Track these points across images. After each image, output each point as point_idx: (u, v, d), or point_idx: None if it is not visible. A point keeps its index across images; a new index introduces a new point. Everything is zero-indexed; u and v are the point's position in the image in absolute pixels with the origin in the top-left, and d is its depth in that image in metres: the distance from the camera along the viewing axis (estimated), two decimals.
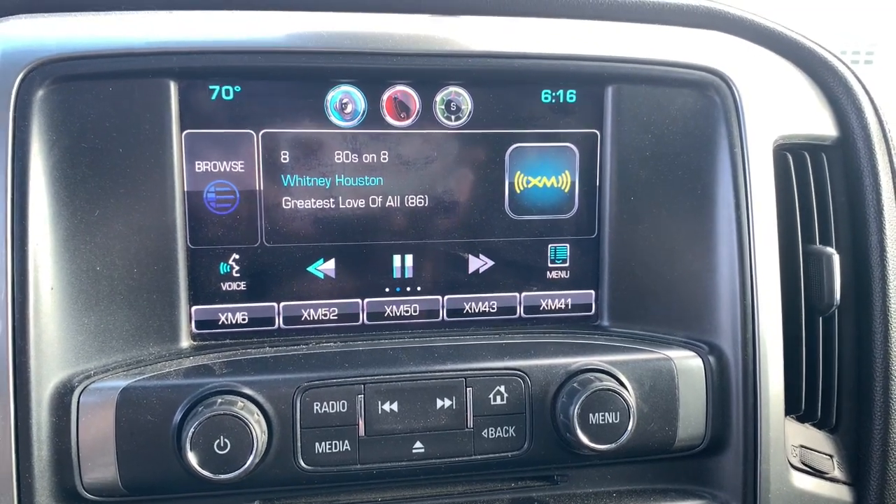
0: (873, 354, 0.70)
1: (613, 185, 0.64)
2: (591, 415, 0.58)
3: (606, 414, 0.58)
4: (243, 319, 0.61)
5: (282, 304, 0.62)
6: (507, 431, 0.59)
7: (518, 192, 0.64)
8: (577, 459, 0.62)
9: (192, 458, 0.52)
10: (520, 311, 0.66)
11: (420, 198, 0.62)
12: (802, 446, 0.67)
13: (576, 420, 0.57)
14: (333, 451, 0.57)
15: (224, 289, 0.61)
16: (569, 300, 0.66)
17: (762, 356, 0.63)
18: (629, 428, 0.58)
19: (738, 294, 0.62)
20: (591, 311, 0.67)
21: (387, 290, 0.63)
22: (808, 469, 0.67)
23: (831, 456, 0.70)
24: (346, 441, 0.57)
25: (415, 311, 0.64)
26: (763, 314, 0.62)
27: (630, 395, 0.59)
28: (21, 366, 0.53)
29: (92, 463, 0.54)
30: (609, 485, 0.64)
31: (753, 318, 0.62)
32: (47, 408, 0.54)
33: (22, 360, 0.53)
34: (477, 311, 0.65)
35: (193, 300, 0.60)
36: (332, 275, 0.62)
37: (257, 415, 0.54)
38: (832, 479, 0.69)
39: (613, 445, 0.58)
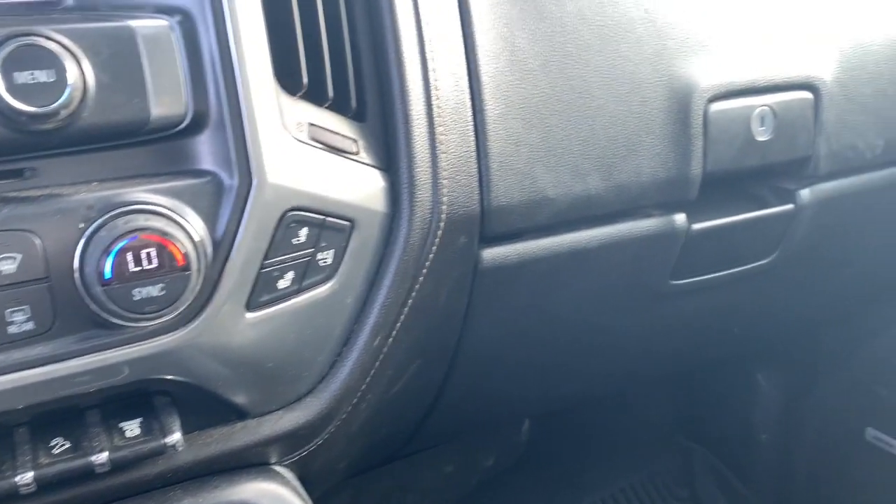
0: (384, 37, 0.70)
1: None
2: (15, 74, 0.51)
3: (36, 73, 0.52)
4: None
5: None
6: None
7: None
8: (40, 145, 0.56)
9: None
10: None
11: None
12: (312, 124, 0.66)
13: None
14: None
15: None
16: None
17: (234, 20, 0.59)
18: (70, 84, 0.52)
19: None
20: None
21: None
22: (324, 146, 0.66)
23: (356, 140, 0.70)
24: None
25: None
26: None
27: (73, 54, 0.53)
28: None
29: None
30: (88, 176, 0.58)
31: None
32: None
33: None
34: None
35: None
36: None
37: None
38: (362, 163, 0.70)
39: (53, 106, 0.52)
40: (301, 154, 0.63)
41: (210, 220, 0.59)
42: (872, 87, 0.95)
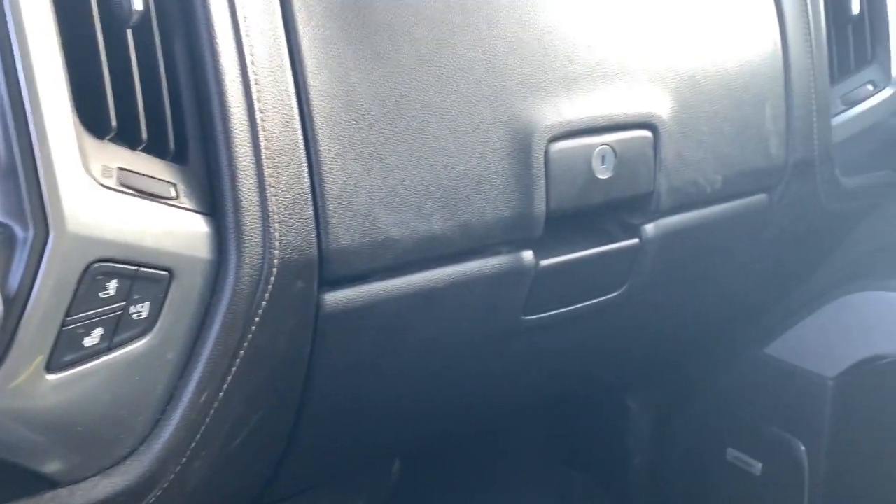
0: (205, 75, 0.67)
1: None
2: None
3: None
4: None
5: None
6: None
7: None
8: None
9: None
10: None
11: None
12: (123, 169, 0.62)
13: None
14: None
15: None
16: None
17: (25, 58, 0.55)
18: None
19: None
20: None
21: None
22: (136, 192, 0.62)
23: (174, 184, 0.66)
24: None
25: None
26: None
27: None
28: None
29: None
30: None
31: None
32: None
33: None
34: None
35: None
36: None
37: None
38: (182, 207, 0.66)
39: None
40: (108, 201, 0.59)
41: (1, 277, 0.54)
42: (709, 125, 0.99)
